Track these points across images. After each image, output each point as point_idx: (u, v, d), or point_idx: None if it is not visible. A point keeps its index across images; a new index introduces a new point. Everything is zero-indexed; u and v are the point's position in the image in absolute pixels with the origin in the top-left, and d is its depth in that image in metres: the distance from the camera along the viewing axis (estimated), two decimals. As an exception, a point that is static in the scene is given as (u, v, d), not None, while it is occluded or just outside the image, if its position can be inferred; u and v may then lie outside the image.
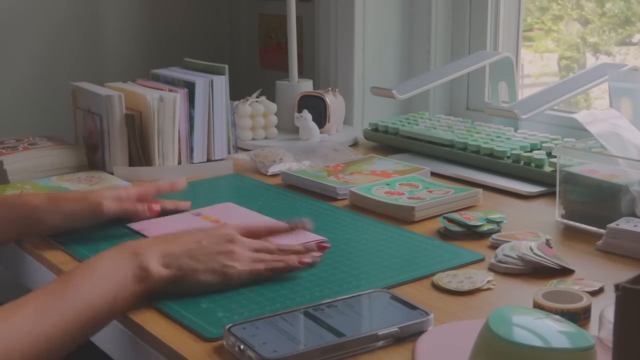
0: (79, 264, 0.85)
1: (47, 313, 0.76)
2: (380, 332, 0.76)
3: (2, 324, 0.74)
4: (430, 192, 1.22)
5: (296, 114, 1.63)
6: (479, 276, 0.92)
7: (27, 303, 0.77)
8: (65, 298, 0.78)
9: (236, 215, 1.17)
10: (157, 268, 0.85)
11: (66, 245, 1.05)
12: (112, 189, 1.12)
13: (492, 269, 0.96)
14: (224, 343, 0.77)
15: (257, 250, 0.92)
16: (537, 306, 0.80)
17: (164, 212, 1.15)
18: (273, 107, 1.65)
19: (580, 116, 1.14)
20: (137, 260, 0.84)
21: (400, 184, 1.26)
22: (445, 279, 0.91)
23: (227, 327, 0.77)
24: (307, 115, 1.61)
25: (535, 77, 1.79)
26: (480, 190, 1.24)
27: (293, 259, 0.92)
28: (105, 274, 0.82)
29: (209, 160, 1.49)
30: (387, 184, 1.27)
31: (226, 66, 1.50)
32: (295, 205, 1.23)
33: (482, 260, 0.99)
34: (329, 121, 1.65)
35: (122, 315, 0.85)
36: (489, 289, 0.90)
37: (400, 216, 1.15)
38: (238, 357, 0.75)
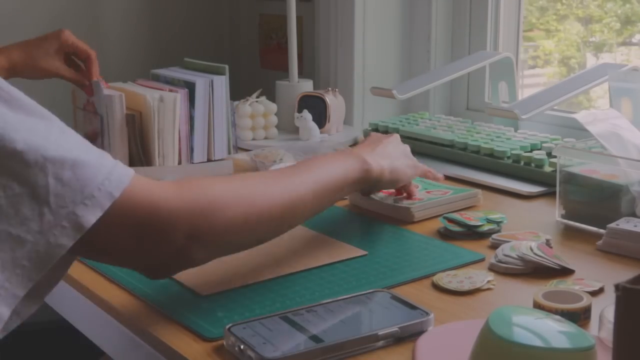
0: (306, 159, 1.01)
1: (293, 179, 0.89)
2: (380, 332, 0.76)
3: (272, 181, 0.86)
4: (428, 192, 1.22)
5: (296, 114, 1.63)
6: (479, 276, 0.92)
7: (276, 175, 0.91)
8: (306, 171, 0.92)
9: None
10: (373, 161, 1.02)
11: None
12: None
13: (492, 269, 0.96)
14: (224, 343, 0.77)
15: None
16: (537, 306, 0.80)
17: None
18: (273, 107, 1.65)
19: (580, 116, 1.14)
20: (357, 155, 1.01)
21: None
22: (446, 279, 0.91)
23: (227, 327, 0.77)
24: (307, 115, 1.61)
25: (548, 76, 1.79)
26: (480, 191, 1.24)
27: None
28: (334, 161, 0.97)
29: (209, 160, 1.49)
30: None
31: (226, 66, 1.50)
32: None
33: (482, 260, 0.99)
34: (329, 121, 1.65)
35: (347, 194, 1.09)
36: (489, 289, 0.90)
37: (399, 216, 1.15)
38: (238, 357, 0.75)
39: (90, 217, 0.68)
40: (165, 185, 0.75)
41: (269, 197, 0.83)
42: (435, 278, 0.92)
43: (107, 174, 0.70)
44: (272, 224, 0.84)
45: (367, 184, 1.02)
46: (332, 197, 0.95)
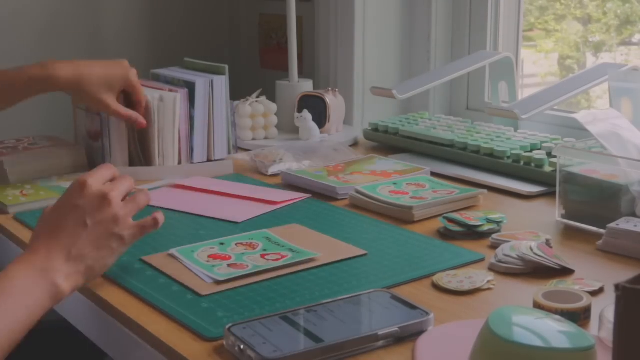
0: None
1: None
2: (380, 332, 0.76)
3: None
4: (435, 192, 1.22)
5: (296, 114, 1.63)
6: (479, 276, 0.92)
7: None
8: None
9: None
10: (66, 283, 0.84)
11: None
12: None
13: (492, 269, 0.96)
14: (224, 343, 0.77)
15: (127, 202, 0.92)
16: (537, 306, 0.80)
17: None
18: (273, 107, 1.65)
19: (580, 116, 1.14)
20: (48, 278, 0.83)
21: (407, 184, 1.27)
22: (445, 279, 0.91)
23: (227, 327, 0.77)
24: (307, 115, 1.61)
25: (541, 76, 1.79)
26: (485, 190, 1.24)
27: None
28: (20, 299, 0.81)
29: (209, 160, 1.48)
30: (395, 183, 1.27)
31: (226, 66, 1.50)
32: (295, 205, 1.23)
33: (482, 260, 0.99)
34: (329, 121, 1.65)
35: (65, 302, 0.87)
36: (489, 289, 0.90)
37: (399, 216, 1.15)
38: (238, 357, 0.75)
39: None
40: None
41: None
42: (435, 278, 0.92)
43: None
44: None
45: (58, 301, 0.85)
46: (12, 343, 0.80)
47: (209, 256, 0.98)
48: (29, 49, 1.86)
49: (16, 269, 0.84)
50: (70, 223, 0.87)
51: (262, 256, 0.99)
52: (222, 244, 1.03)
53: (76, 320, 1.00)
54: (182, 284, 0.91)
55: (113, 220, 0.89)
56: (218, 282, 0.91)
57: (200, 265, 0.96)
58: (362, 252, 1.01)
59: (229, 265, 0.95)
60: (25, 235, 1.10)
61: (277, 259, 0.97)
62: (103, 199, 0.89)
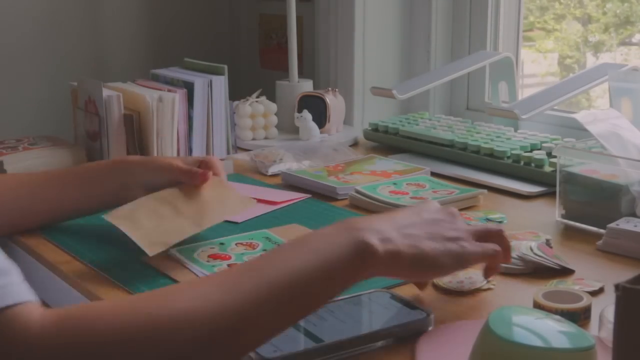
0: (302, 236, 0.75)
1: (238, 284, 0.67)
2: (380, 332, 0.76)
3: (188, 290, 0.68)
4: (435, 192, 1.22)
5: (296, 114, 1.63)
6: (479, 276, 0.91)
7: (219, 275, 0.72)
8: (262, 270, 0.69)
9: None
10: (378, 243, 0.72)
11: (59, 241, 1.05)
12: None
13: (492, 269, 0.96)
14: (224, 343, 0.77)
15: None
16: (537, 306, 0.80)
17: None
18: (273, 107, 1.65)
19: (580, 116, 1.14)
20: (354, 235, 0.72)
21: (407, 184, 1.26)
22: (445, 279, 0.91)
23: (227, 327, 0.77)
24: (307, 115, 1.61)
25: (541, 76, 1.79)
26: (485, 190, 1.24)
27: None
28: (315, 248, 0.72)
29: (208, 160, 1.48)
30: (394, 184, 1.27)
31: (225, 66, 1.50)
32: (295, 205, 1.23)
33: (482, 260, 0.99)
34: (329, 121, 1.65)
35: (342, 292, 0.74)
36: (489, 289, 0.90)
37: (400, 216, 1.15)
38: (238, 357, 0.74)
39: None
40: (46, 322, 0.62)
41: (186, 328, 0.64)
42: (435, 278, 0.92)
43: None
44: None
45: (373, 270, 0.74)
46: (314, 300, 0.71)
47: (209, 256, 0.98)
48: (29, 49, 1.86)
49: (316, 230, 0.76)
50: (407, 213, 0.80)
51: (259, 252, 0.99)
52: (222, 244, 1.03)
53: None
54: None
55: (452, 227, 0.80)
56: None
57: (200, 266, 0.95)
58: None
59: (229, 265, 0.95)
60: (24, 234, 1.10)
61: None
62: (453, 213, 0.82)
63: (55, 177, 1.10)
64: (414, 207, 0.82)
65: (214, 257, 0.98)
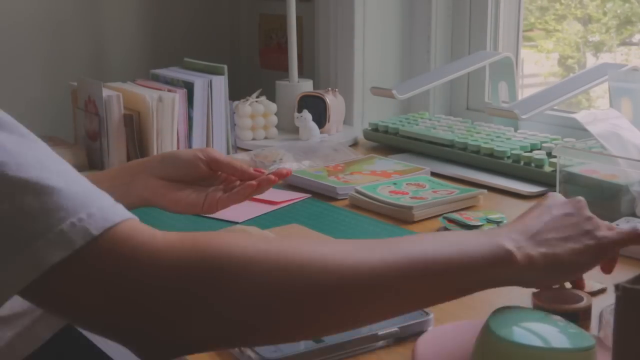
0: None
1: (374, 250, 0.65)
2: (380, 332, 0.76)
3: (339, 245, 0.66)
4: (435, 192, 1.22)
5: (296, 114, 1.63)
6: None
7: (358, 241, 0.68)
8: (398, 244, 0.68)
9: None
10: (515, 249, 0.71)
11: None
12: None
13: (492, 269, 0.96)
14: (224, 343, 0.77)
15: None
16: (537, 306, 0.80)
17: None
18: (273, 107, 1.65)
19: (580, 116, 1.14)
20: (493, 239, 0.71)
21: (407, 184, 1.26)
22: None
23: (227, 327, 0.77)
24: (307, 115, 1.61)
25: (544, 76, 1.79)
26: (485, 190, 1.24)
27: None
28: (454, 240, 0.71)
29: (208, 160, 1.48)
30: (394, 183, 1.27)
31: (225, 66, 1.50)
32: (295, 205, 1.23)
33: (482, 260, 0.99)
34: (329, 121, 1.65)
35: (476, 290, 0.71)
36: None
37: (399, 216, 1.15)
38: (238, 357, 0.74)
39: (52, 256, 0.53)
40: (171, 238, 0.58)
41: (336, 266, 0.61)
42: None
43: (92, 208, 0.55)
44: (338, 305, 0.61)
45: (508, 276, 0.72)
46: (447, 287, 0.69)
47: None
48: (29, 49, 1.86)
49: (475, 234, 0.75)
50: (537, 213, 0.78)
51: None
52: None
53: (76, 321, 1.00)
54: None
55: (586, 218, 0.78)
56: None
57: None
58: None
59: None
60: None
61: None
62: (580, 203, 0.80)
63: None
64: (542, 206, 0.79)
65: None
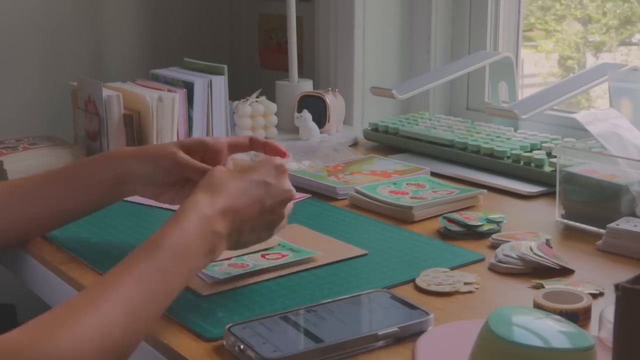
0: (166, 230, 0.80)
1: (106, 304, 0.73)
2: (380, 332, 0.76)
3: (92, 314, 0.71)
4: (435, 192, 1.22)
5: (296, 114, 1.63)
6: (464, 278, 0.92)
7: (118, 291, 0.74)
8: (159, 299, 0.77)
9: None
10: (223, 248, 0.84)
11: (67, 247, 1.05)
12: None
13: (492, 269, 0.96)
14: (224, 343, 0.77)
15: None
16: (537, 306, 0.80)
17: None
18: (273, 107, 1.65)
19: (580, 116, 1.14)
20: (213, 238, 0.82)
21: (407, 184, 1.27)
22: (425, 282, 0.91)
23: (227, 327, 0.77)
24: (307, 115, 1.61)
25: (543, 77, 1.79)
26: (485, 190, 1.24)
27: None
28: (189, 262, 0.80)
29: (208, 160, 1.48)
30: (394, 183, 1.27)
31: (225, 66, 1.50)
32: (295, 205, 1.23)
33: (482, 260, 0.99)
34: (329, 121, 1.65)
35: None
36: (469, 292, 0.89)
37: (399, 216, 1.15)
38: (238, 357, 0.74)
39: None
40: None
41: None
42: (418, 280, 0.92)
43: None
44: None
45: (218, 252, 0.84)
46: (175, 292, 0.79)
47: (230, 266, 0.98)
48: (29, 49, 1.86)
49: (194, 226, 0.81)
50: (254, 194, 0.87)
51: (263, 255, 0.99)
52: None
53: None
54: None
55: (280, 219, 0.91)
56: (219, 282, 0.91)
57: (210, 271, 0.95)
58: (362, 251, 1.01)
59: (229, 265, 0.95)
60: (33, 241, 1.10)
61: (277, 258, 0.97)
62: (287, 196, 0.90)
63: (48, 178, 1.03)
64: (261, 186, 0.88)
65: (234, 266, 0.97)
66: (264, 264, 0.95)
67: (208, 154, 1.03)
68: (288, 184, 0.90)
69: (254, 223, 0.87)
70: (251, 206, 0.86)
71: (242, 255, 0.98)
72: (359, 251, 1.01)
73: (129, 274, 0.75)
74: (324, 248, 1.01)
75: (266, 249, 1.00)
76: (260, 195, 0.87)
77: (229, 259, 0.97)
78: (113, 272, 0.76)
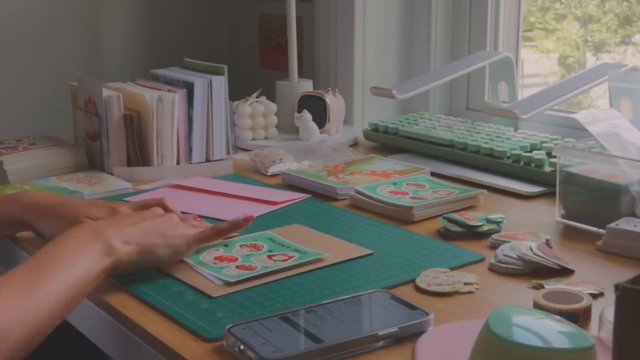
0: (48, 246, 0.86)
1: (32, 297, 0.78)
2: (380, 332, 0.76)
3: None
4: (435, 192, 1.22)
5: (296, 114, 1.63)
6: (465, 278, 0.92)
7: (7, 290, 0.79)
8: (45, 283, 0.81)
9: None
10: (119, 244, 0.89)
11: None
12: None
13: (492, 269, 0.96)
14: (224, 343, 0.77)
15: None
16: (537, 306, 0.80)
17: None
18: (273, 107, 1.65)
19: (580, 116, 1.14)
20: (101, 238, 0.88)
21: (407, 184, 1.26)
22: (425, 282, 0.91)
23: (227, 327, 0.77)
24: (307, 115, 1.61)
25: (544, 76, 1.79)
26: (485, 190, 1.24)
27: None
28: (77, 254, 0.85)
29: (207, 160, 1.48)
30: (394, 184, 1.27)
31: (225, 66, 1.50)
32: (295, 205, 1.23)
33: (482, 260, 0.99)
34: (329, 121, 1.65)
35: (93, 292, 0.89)
36: (470, 292, 0.89)
37: (399, 216, 1.15)
38: (238, 357, 0.74)
39: None
40: None
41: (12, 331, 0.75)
42: (418, 281, 0.92)
43: None
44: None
45: (116, 271, 0.90)
46: (77, 302, 0.85)
47: (215, 258, 0.98)
48: (29, 49, 1.86)
49: (69, 233, 0.88)
50: (128, 215, 0.97)
51: (269, 257, 0.99)
52: (226, 245, 1.02)
53: (77, 322, 1.00)
54: (192, 287, 0.91)
55: (167, 223, 0.96)
56: (229, 284, 0.91)
57: (207, 267, 0.95)
58: (367, 251, 1.01)
59: (237, 267, 0.95)
60: (24, 235, 1.10)
61: (284, 260, 0.97)
62: (165, 214, 0.98)
63: None
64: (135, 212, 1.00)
65: (221, 259, 0.98)
66: (272, 266, 0.95)
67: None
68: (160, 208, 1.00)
69: (141, 226, 0.93)
70: (129, 218, 0.95)
71: (248, 256, 0.98)
72: (364, 251, 1.01)
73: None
74: (329, 248, 1.01)
75: (270, 251, 1.00)
76: (135, 213, 0.98)
77: (236, 260, 0.97)
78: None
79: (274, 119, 1.65)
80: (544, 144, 1.39)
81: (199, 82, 1.45)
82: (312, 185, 1.30)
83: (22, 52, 1.85)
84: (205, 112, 1.47)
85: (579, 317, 0.79)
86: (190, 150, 1.46)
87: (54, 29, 1.89)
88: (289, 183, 1.34)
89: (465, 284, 0.90)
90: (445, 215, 1.11)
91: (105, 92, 1.40)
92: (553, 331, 0.64)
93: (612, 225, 1.01)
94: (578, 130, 1.32)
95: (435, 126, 1.56)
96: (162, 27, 2.05)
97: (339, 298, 0.84)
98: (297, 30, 1.74)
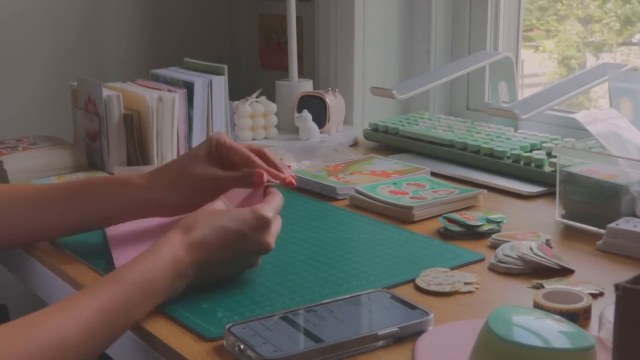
0: (138, 264, 0.83)
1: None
2: (380, 332, 0.76)
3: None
4: (435, 192, 1.22)
5: (296, 114, 1.63)
6: (465, 277, 0.92)
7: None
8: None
9: None
10: (187, 281, 0.86)
11: (67, 247, 1.05)
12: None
13: (492, 269, 0.96)
14: (224, 343, 0.77)
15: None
16: (537, 306, 0.80)
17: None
18: (273, 107, 1.65)
19: (580, 116, 1.14)
20: (180, 279, 0.85)
21: (407, 184, 1.26)
22: (425, 282, 0.91)
23: (227, 327, 0.77)
24: (307, 115, 1.61)
25: (547, 76, 1.79)
26: (485, 190, 1.24)
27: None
28: (152, 292, 0.82)
29: (208, 160, 1.48)
30: (394, 184, 1.27)
31: (225, 66, 1.50)
32: (295, 205, 1.23)
33: (482, 260, 0.99)
34: (329, 121, 1.65)
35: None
36: (469, 292, 0.89)
37: (400, 216, 1.15)
38: (238, 357, 0.74)
39: None
40: None
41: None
42: (418, 280, 0.92)
43: None
44: None
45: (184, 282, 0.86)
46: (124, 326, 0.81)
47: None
48: (29, 49, 1.86)
49: (163, 266, 0.83)
50: (227, 244, 0.87)
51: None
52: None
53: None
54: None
55: (252, 265, 0.93)
56: None
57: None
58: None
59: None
60: (39, 245, 1.09)
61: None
62: (262, 249, 0.90)
63: (64, 193, 1.01)
64: (239, 239, 0.89)
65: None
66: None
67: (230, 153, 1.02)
68: (266, 237, 0.89)
69: (221, 268, 0.89)
70: (223, 252, 0.88)
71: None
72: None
73: (93, 298, 0.77)
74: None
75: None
76: (235, 245, 0.88)
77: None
78: (80, 293, 0.79)
79: (274, 119, 1.65)
80: (544, 144, 1.39)
81: (199, 82, 1.45)
82: (312, 185, 1.30)
83: (22, 52, 1.85)
84: (205, 112, 1.47)
85: (579, 317, 0.79)
86: (190, 150, 1.46)
87: (54, 29, 1.89)
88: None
89: (465, 283, 0.90)
90: (445, 215, 1.11)
91: (105, 92, 1.40)
92: (553, 331, 0.64)
93: (612, 225, 1.01)
94: (578, 130, 1.32)
95: (435, 126, 1.56)
96: (162, 27, 2.05)
97: (338, 298, 0.84)
98: (297, 30, 1.74)
